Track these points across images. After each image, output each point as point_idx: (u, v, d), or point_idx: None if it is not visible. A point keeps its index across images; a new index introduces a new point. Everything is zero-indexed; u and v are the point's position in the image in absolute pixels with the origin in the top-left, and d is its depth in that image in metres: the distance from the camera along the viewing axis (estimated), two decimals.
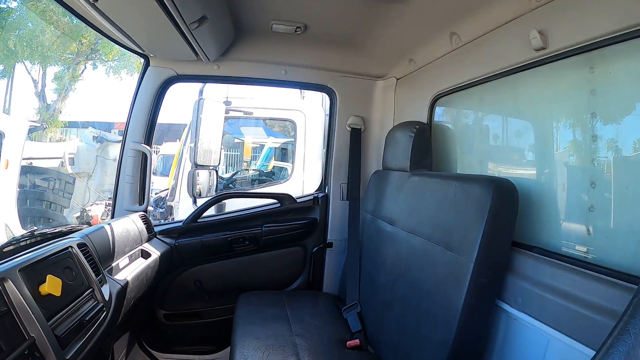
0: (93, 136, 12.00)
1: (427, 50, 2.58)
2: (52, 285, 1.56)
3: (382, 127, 3.13)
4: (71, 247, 1.85)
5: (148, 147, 2.90)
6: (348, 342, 2.36)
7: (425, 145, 2.45)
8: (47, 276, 1.57)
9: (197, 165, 3.22)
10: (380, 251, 2.46)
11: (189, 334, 3.16)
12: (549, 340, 1.55)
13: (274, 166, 6.46)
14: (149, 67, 2.88)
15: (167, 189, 6.25)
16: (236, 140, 6.65)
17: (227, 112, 4.27)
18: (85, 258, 1.90)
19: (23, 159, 8.10)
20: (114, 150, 11.65)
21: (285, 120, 5.69)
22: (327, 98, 3.16)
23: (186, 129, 5.90)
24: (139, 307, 2.69)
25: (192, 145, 3.17)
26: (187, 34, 2.24)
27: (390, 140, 2.69)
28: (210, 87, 5.05)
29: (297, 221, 3.12)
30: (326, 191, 3.19)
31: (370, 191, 2.84)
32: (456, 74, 2.38)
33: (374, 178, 2.86)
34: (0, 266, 1.47)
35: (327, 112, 5.05)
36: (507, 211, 1.70)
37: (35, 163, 10.92)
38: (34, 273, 1.56)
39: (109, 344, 2.04)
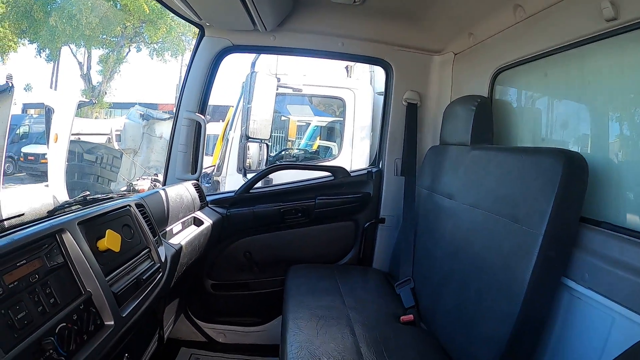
0: (139, 114, 12.09)
1: (488, 23, 2.42)
2: (111, 241, 1.49)
3: (438, 102, 2.97)
4: (129, 205, 1.78)
5: (202, 116, 2.83)
6: (402, 317, 2.24)
7: (487, 120, 2.31)
8: (107, 231, 1.49)
9: (248, 138, 3.15)
10: (438, 226, 2.34)
11: (236, 305, 3.11)
12: (614, 319, 1.43)
13: (318, 145, 6.31)
14: (204, 38, 2.79)
15: (213, 166, 6.17)
16: (282, 118, 6.50)
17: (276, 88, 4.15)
18: (143, 218, 1.82)
19: (72, 134, 8.19)
20: (160, 128, 11.73)
21: (335, 98, 5.48)
22: (376, 76, 3.02)
23: (232, 109, 5.78)
24: (188, 275, 2.63)
25: (244, 118, 3.09)
26: (246, 0, 2.15)
27: (449, 114, 2.55)
28: (260, 63, 4.91)
29: (350, 195, 2.99)
30: (380, 166, 3.06)
31: (426, 167, 2.71)
32: (519, 47, 2.23)
33: (430, 154, 2.73)
34: (59, 218, 1.39)
35: (377, 91, 4.94)
36: (577, 184, 1.58)
37: (84, 138, 11.09)
38: (93, 227, 1.50)
39: (162, 307, 1.97)
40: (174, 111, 2.94)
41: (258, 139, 3.25)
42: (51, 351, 1.13)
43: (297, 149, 6.60)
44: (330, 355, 1.81)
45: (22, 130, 11.78)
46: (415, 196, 2.74)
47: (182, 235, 2.28)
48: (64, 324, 1.20)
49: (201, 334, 3.12)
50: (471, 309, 1.84)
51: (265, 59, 4.82)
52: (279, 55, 4.58)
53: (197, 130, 2.87)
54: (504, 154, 1.97)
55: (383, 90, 3.15)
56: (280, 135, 6.66)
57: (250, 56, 4.66)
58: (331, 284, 2.57)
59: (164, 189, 2.31)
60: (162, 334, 2.38)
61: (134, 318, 1.51)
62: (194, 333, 3.11)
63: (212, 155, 6.78)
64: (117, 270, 1.53)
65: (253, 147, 3.35)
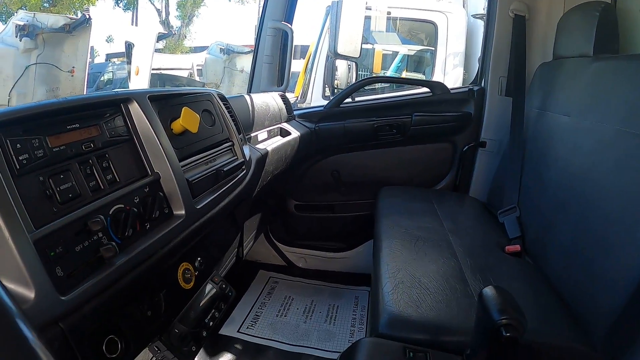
0: (220, 48, 11.95)
1: None
2: (187, 119, 1.20)
3: (549, 15, 2.48)
4: (211, 94, 1.48)
5: (289, 25, 2.53)
6: (507, 247, 1.90)
7: (612, 27, 1.90)
8: (183, 108, 1.20)
9: (336, 55, 2.81)
10: (551, 150, 1.94)
11: (319, 229, 2.87)
12: None
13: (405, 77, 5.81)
14: None
15: (296, 97, 5.88)
16: (365, 46, 5.98)
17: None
18: (227, 111, 1.55)
19: (153, 69, 8.19)
20: (241, 62, 11.58)
21: (426, 21, 4.94)
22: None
23: (313, 43, 5.38)
24: (272, 192, 2.44)
25: (331, 35, 2.75)
26: None
27: (565, 25, 2.13)
28: None
29: (449, 113, 2.61)
30: (482, 84, 2.64)
31: (536, 85, 2.29)
32: None
33: (541, 71, 2.30)
34: (125, 90, 1.11)
35: (471, 14, 4.41)
36: None
37: (165, 73, 11.17)
38: (166, 107, 1.22)
39: (242, 215, 1.69)
40: (258, 19, 2.64)
41: (347, 56, 2.90)
42: (100, 234, 0.86)
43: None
44: (432, 278, 1.51)
45: (106, 77, 12.15)
46: (524, 118, 2.33)
47: (267, 142, 2.03)
48: (121, 206, 0.94)
49: (281, 257, 2.93)
50: (592, 245, 1.44)
51: None
52: None
53: (284, 39, 2.59)
54: (637, 62, 1.57)
55: (476, 12, 2.69)
56: (364, 73, 6.16)
57: None
58: (428, 207, 2.26)
59: (249, 95, 2.07)
60: (242, 251, 2.16)
61: (210, 214, 1.24)
62: (273, 256, 2.93)
63: (293, 92, 6.48)
64: (194, 158, 1.26)
65: (342, 66, 3.08)
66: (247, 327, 2.29)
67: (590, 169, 1.60)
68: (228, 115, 1.54)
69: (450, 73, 4.60)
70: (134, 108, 1.08)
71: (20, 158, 0.77)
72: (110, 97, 1.06)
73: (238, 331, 2.26)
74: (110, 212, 0.90)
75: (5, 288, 0.36)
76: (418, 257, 1.68)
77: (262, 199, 2.26)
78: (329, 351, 2.14)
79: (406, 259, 1.66)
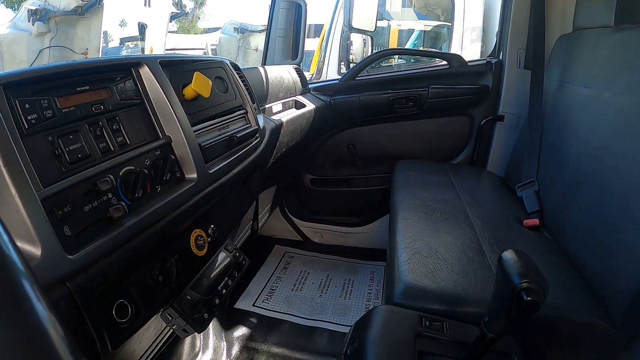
0: (234, 27, 11.89)
1: None
2: (199, 84, 1.17)
3: None
4: (224, 62, 1.46)
5: None
6: (525, 221, 1.86)
7: None
8: (195, 73, 1.18)
9: (351, 29, 2.80)
10: (571, 121, 1.89)
11: (335, 203, 2.86)
12: None
13: None
14: None
15: (311, 75, 5.83)
16: (380, 23, 5.87)
17: None
18: (240, 81, 1.54)
19: (167, 49, 8.16)
20: (255, 40, 11.52)
21: None
22: None
23: (328, 20, 5.30)
24: (287, 165, 2.41)
25: (346, 9, 2.71)
26: None
27: None
28: None
29: (466, 85, 2.56)
30: (500, 57, 2.58)
31: (556, 57, 2.22)
32: None
33: (561, 42, 2.24)
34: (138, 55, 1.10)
35: None
36: None
37: (176, 52, 11.19)
38: (178, 72, 1.20)
39: (256, 184, 1.67)
40: None
41: (362, 29, 2.87)
42: (109, 195, 0.85)
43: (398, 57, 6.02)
44: (449, 249, 1.49)
45: None
46: (543, 91, 2.27)
47: (282, 114, 2.00)
48: (132, 168, 0.92)
49: (297, 232, 2.93)
50: (613, 219, 1.40)
51: None
52: None
53: (297, 13, 2.55)
54: None
55: None
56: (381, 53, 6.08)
57: None
58: (445, 180, 2.23)
59: (263, 67, 2.04)
60: (257, 224, 2.14)
61: (223, 180, 1.22)
62: (289, 231, 2.93)
63: (308, 71, 6.43)
64: (207, 123, 1.24)
65: (357, 41, 3.03)
66: (263, 301, 2.30)
67: (611, 141, 1.55)
68: (241, 83, 1.52)
69: (467, 48, 4.52)
70: (145, 72, 1.06)
71: (29, 118, 0.76)
72: (121, 61, 1.04)
73: (253, 305, 2.27)
74: (120, 174, 0.89)
75: (14, 244, 0.34)
76: (435, 228, 1.65)
77: (277, 171, 2.25)
78: (344, 325, 2.14)
79: (422, 230, 1.64)
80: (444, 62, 2.66)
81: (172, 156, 1.04)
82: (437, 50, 4.13)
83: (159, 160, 1.00)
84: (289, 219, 2.90)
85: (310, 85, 2.55)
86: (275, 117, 1.89)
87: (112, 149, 0.91)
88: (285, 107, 2.16)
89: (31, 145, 0.74)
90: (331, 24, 4.86)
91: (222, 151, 1.25)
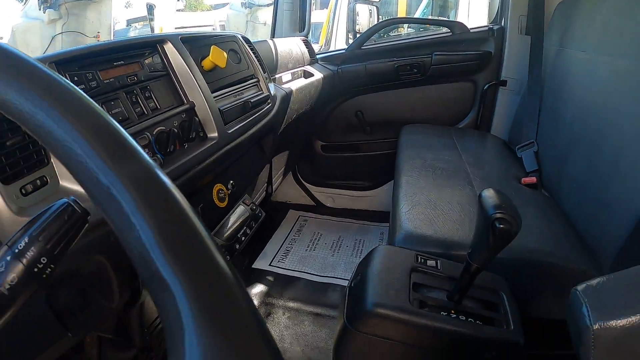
0: (241, 2, 11.87)
1: None
2: (216, 56, 1.35)
3: None
4: (236, 36, 1.62)
5: None
6: (523, 179, 2.00)
7: None
8: (212, 46, 1.36)
9: (357, 0, 2.95)
10: (568, 83, 2.01)
11: (345, 168, 2.99)
12: None
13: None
14: None
15: (320, 46, 5.91)
16: None
17: None
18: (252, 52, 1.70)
19: (176, 27, 8.24)
20: (263, 14, 11.50)
21: None
22: None
23: None
24: (297, 132, 2.53)
25: None
26: None
27: None
28: None
29: (469, 52, 2.66)
30: (502, 23, 2.67)
31: (555, 23, 2.32)
32: None
33: (560, 8, 2.32)
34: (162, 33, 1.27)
35: None
36: None
37: (189, 30, 11.22)
38: (197, 47, 1.38)
39: (269, 147, 1.84)
40: None
41: (368, 0, 3.04)
42: (147, 150, 1.01)
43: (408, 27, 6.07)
44: (447, 202, 1.64)
45: None
46: (543, 56, 2.38)
47: (292, 83, 2.14)
48: (163, 128, 1.11)
49: (310, 197, 3.07)
50: (605, 173, 1.52)
51: None
52: None
53: None
54: None
55: None
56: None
57: None
58: (448, 142, 2.36)
59: (272, 40, 2.18)
60: (271, 187, 2.30)
61: (240, 139, 1.40)
62: (302, 197, 3.07)
63: (317, 43, 6.50)
64: (224, 90, 1.43)
65: (363, 11, 3.12)
66: (278, 261, 2.46)
67: (604, 101, 1.66)
68: (252, 54, 1.68)
69: (473, 16, 4.56)
70: (169, 47, 1.24)
71: (79, 88, 0.92)
72: (147, 39, 1.23)
73: (270, 265, 2.43)
74: (154, 133, 1.07)
75: None
76: (435, 185, 1.79)
77: (290, 137, 2.38)
78: None
79: (424, 185, 1.78)
80: (447, 30, 2.75)
81: (196, 118, 1.23)
82: (440, 18, 4.18)
83: (185, 122, 1.18)
84: (302, 185, 3.04)
85: (318, 56, 2.66)
86: (285, 85, 2.03)
87: (146, 112, 1.09)
88: (295, 77, 2.29)
89: None
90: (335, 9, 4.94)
91: (238, 115, 1.42)
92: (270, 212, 2.41)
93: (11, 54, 0.36)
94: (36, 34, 6.53)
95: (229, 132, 1.32)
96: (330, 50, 3.17)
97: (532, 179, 1.98)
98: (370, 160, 2.91)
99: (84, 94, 0.37)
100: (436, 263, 1.24)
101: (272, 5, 2.73)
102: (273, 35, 2.69)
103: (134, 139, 0.91)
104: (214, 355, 0.26)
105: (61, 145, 0.33)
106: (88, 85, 0.97)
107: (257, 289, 2.24)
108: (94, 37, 6.13)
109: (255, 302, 2.12)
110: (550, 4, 2.43)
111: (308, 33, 2.68)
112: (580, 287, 0.73)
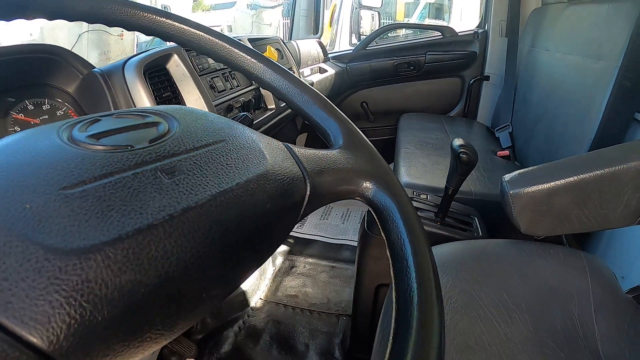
0: (247, 4, 12.25)
1: None
2: (270, 53, 1.90)
3: None
4: (279, 39, 2.19)
5: None
6: (498, 152, 2.48)
7: None
8: (267, 46, 1.91)
9: (361, 6, 3.39)
10: (536, 76, 2.49)
11: None
12: None
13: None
14: None
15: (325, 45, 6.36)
16: None
17: None
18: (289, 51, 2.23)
19: None
20: (269, 16, 11.87)
21: None
22: None
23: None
24: None
25: None
26: None
27: None
28: None
29: (457, 52, 3.18)
30: (485, 27, 3.19)
31: (529, 27, 2.80)
32: None
33: (533, 15, 2.81)
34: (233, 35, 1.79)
35: None
36: None
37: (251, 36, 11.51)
38: (256, 45, 1.91)
39: (299, 124, 2.36)
40: None
41: (370, 6, 3.47)
42: (236, 110, 1.57)
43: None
44: (435, 162, 2.14)
45: (150, 37, 12.28)
46: (518, 54, 2.86)
47: (311, 77, 2.63)
48: (244, 99, 1.65)
49: None
50: (556, 140, 2.03)
51: None
52: None
53: None
54: (594, 5, 2.06)
55: None
56: (387, 21, 6.65)
57: None
58: (439, 126, 2.84)
59: (296, 42, 2.67)
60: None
61: (287, 112, 1.93)
62: None
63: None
64: None
65: (366, 16, 3.55)
66: (297, 227, 2.85)
67: (558, 87, 2.17)
68: (289, 52, 2.22)
69: (465, 19, 5.04)
70: None
71: (199, 67, 1.48)
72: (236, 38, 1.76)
73: None
74: (240, 100, 1.61)
75: None
76: (426, 153, 2.28)
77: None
78: None
79: (417, 153, 2.27)
80: (439, 33, 3.26)
81: (261, 95, 1.77)
82: (432, 24, 4.68)
83: (255, 96, 1.72)
84: None
85: (329, 55, 3.14)
86: (307, 78, 2.53)
87: (233, 87, 1.62)
88: (312, 72, 2.76)
89: (203, 81, 1.45)
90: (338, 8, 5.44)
91: None
92: None
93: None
94: (64, 31, 6.83)
95: (281, 106, 1.85)
96: (336, 50, 3.66)
97: (506, 152, 2.47)
98: (374, 144, 3.31)
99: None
100: (427, 197, 1.71)
101: (276, 8, 3.21)
102: (290, 37, 3.19)
103: (230, 102, 1.50)
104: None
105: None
106: (203, 66, 1.50)
107: (281, 249, 2.61)
108: (117, 35, 6.50)
109: (280, 259, 2.50)
110: (526, 10, 2.92)
111: (321, 36, 3.17)
112: (506, 176, 1.25)
